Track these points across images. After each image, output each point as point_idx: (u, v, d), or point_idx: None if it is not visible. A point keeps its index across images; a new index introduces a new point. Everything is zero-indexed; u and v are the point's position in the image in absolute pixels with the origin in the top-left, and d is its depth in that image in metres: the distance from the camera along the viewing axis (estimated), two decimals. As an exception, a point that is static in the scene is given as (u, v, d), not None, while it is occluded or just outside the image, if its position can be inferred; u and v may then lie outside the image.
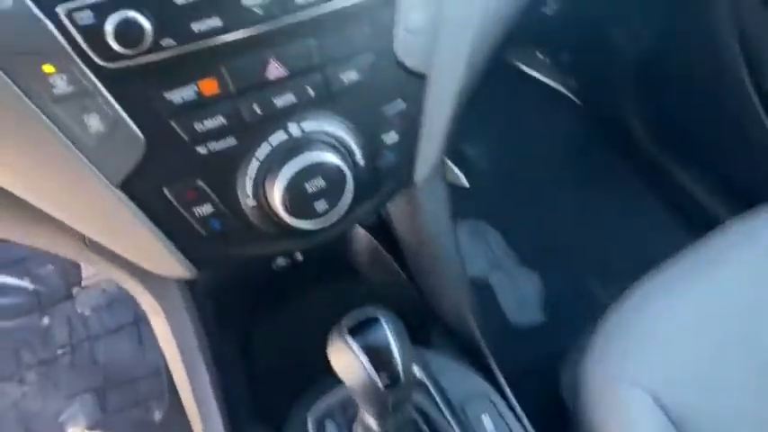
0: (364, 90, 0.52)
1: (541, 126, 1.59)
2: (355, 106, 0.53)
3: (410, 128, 0.58)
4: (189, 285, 0.64)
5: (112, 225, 0.51)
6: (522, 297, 1.31)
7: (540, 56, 1.58)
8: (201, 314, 0.65)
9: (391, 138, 0.57)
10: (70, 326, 1.44)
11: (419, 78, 0.55)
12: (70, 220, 0.51)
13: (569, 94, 1.60)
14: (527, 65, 1.60)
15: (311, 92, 0.50)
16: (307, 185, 0.51)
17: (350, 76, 0.50)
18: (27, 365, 1.42)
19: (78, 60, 0.42)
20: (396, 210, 0.69)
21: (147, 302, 0.63)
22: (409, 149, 0.60)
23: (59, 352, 1.43)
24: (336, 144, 0.53)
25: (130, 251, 0.54)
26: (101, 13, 0.41)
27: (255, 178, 0.52)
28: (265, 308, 0.87)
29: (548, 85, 1.62)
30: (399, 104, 0.55)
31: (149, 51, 0.43)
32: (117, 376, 1.35)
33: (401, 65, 0.53)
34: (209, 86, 0.46)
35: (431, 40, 0.53)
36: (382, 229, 0.83)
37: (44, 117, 0.44)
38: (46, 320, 1.47)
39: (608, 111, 1.55)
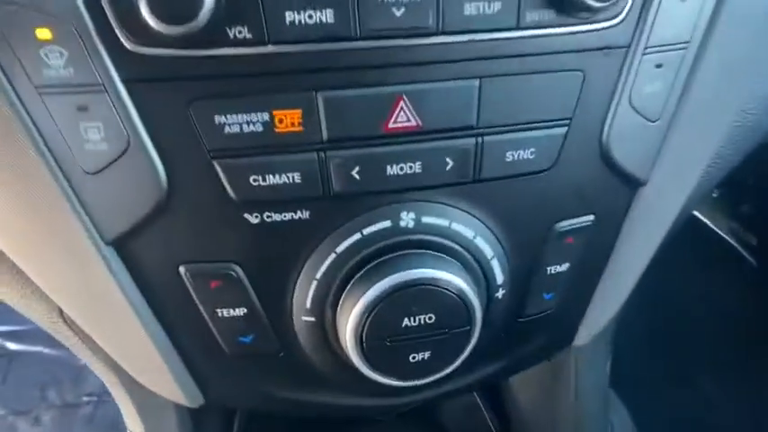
0: (537, 184, 0.31)
1: (703, 285, 1.29)
2: (514, 207, 0.32)
3: (592, 259, 0.36)
4: (191, 411, 0.44)
5: (91, 300, 0.32)
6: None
7: (715, 194, 1.30)
8: None
9: (559, 270, 0.35)
10: (104, 374, 1.28)
11: (629, 185, 0.34)
12: (37, 277, 0.33)
13: (745, 253, 1.30)
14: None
15: (450, 165, 0.30)
16: (406, 318, 0.30)
17: (521, 154, 0.30)
18: (48, 405, 1.29)
19: (92, 30, 0.25)
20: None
21: (130, 417, 0.43)
22: (581, 293, 0.37)
23: (85, 399, 1.28)
24: (469, 260, 0.32)
25: (113, 345, 0.35)
26: None
27: (324, 284, 0.31)
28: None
29: (719, 236, 1.33)
30: (586, 219, 0.33)
31: (205, 42, 0.25)
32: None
33: (608, 158, 0.32)
34: (289, 120, 0.28)
35: (665, 128, 0.32)
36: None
37: (21, 110, 0.27)
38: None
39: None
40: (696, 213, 1.35)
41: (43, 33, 0.26)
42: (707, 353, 1.18)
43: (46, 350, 1.32)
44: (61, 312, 0.37)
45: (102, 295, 0.32)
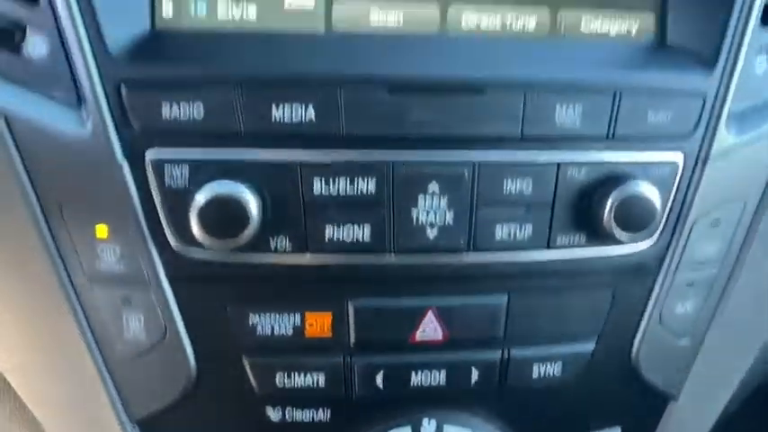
0: (562, 396, 0.32)
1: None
2: (539, 417, 0.32)
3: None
4: None
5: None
6: None
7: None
8: None
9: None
10: None
11: (659, 400, 0.33)
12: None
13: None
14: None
15: (475, 376, 0.30)
16: None
17: (548, 367, 0.30)
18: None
19: (145, 233, 0.27)
20: None
21: None
22: None
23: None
24: None
25: None
26: (199, 175, 0.26)
27: None
28: None
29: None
30: (612, 432, 0.32)
31: (247, 250, 0.26)
32: None
33: (637, 375, 0.32)
34: (319, 324, 0.28)
35: (696, 346, 0.32)
36: None
37: (73, 297, 0.28)
38: None
39: None
40: None
41: (102, 231, 0.28)
42: None
43: None
44: None
45: None
